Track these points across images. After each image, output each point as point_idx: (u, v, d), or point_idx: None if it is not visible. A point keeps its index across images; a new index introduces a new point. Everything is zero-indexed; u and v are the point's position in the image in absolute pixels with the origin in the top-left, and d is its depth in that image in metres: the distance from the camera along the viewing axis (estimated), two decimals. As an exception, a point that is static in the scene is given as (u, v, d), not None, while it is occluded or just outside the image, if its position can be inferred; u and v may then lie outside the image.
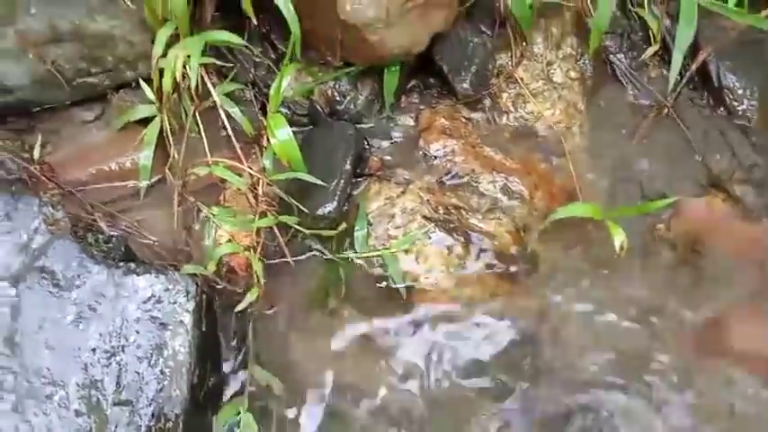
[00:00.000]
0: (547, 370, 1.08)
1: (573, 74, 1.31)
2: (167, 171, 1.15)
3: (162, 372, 0.89)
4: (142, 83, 1.11)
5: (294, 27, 1.00)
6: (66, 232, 0.96)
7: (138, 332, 0.91)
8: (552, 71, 1.30)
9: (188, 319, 0.92)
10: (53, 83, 1.17)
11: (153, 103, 1.18)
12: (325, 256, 1.11)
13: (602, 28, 1.14)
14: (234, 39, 1.04)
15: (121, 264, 0.94)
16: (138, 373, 0.89)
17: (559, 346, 1.09)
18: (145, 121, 1.22)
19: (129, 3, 1.10)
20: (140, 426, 0.87)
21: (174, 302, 0.93)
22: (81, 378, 0.88)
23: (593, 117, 1.29)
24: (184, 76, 1.04)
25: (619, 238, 1.07)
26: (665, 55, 1.39)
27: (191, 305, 0.93)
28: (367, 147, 1.21)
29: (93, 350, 0.89)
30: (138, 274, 0.93)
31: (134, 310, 0.91)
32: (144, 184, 1.18)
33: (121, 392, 0.88)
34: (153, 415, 0.88)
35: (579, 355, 1.09)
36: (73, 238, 0.95)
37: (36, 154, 1.15)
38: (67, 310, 0.90)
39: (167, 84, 1.03)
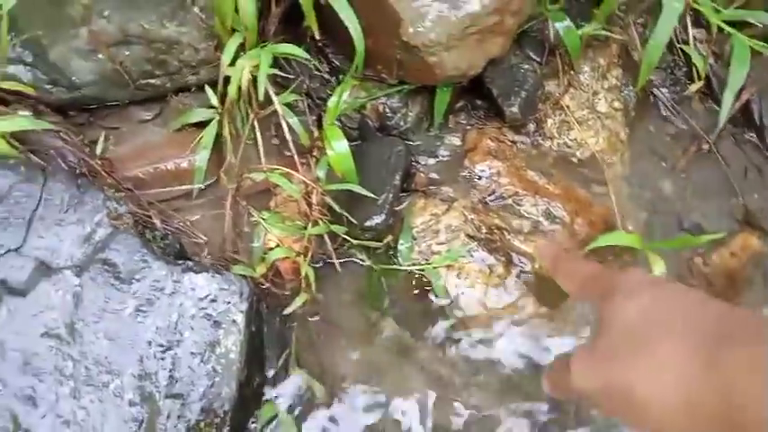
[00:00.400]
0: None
1: (617, 104, 1.35)
2: (222, 174, 1.19)
3: (214, 369, 0.92)
4: (207, 89, 1.15)
5: (360, 46, 1.04)
6: (129, 227, 1.00)
7: (192, 329, 0.94)
8: (597, 100, 1.33)
9: (240, 319, 0.95)
10: (118, 82, 1.22)
11: (211, 107, 1.23)
12: (369, 267, 1.14)
13: (652, 65, 1.17)
14: (298, 52, 1.09)
15: (180, 261, 0.98)
16: (191, 369, 0.92)
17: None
18: (199, 124, 1.27)
19: (198, 12, 1.14)
20: (190, 419, 0.90)
21: (229, 302, 0.96)
22: (136, 369, 0.91)
23: (635, 148, 1.32)
24: (248, 84, 1.09)
25: (658, 268, 1.10)
26: (707, 91, 1.42)
27: (244, 306, 0.96)
28: (414, 163, 1.25)
29: (149, 343, 0.93)
30: (195, 272, 0.96)
31: (190, 307, 0.95)
32: (198, 185, 1.22)
33: (174, 386, 0.91)
34: (202, 410, 0.91)
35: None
36: (135, 234, 0.99)
37: (99, 149, 1.20)
38: (127, 302, 0.94)
39: (233, 92, 1.07)
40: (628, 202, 1.28)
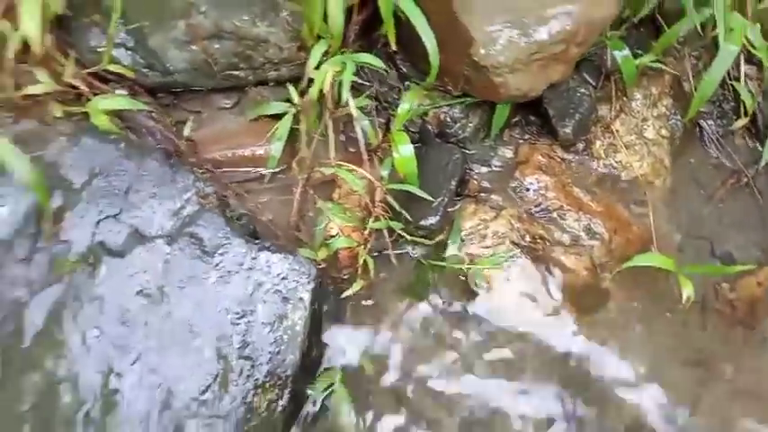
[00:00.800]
0: (599, 392, 1.20)
1: (664, 132, 1.42)
2: (294, 165, 1.31)
3: (281, 338, 1.04)
4: (289, 86, 1.27)
5: (435, 62, 1.14)
6: (214, 207, 1.12)
7: (264, 302, 1.06)
8: (645, 127, 1.41)
9: (307, 297, 1.07)
10: (206, 71, 1.34)
11: (286, 101, 1.34)
12: (419, 261, 1.25)
13: (704, 99, 1.24)
14: (376, 62, 1.19)
15: (257, 241, 1.10)
16: (261, 336, 1.05)
17: (615, 374, 1.21)
18: (273, 116, 1.39)
19: (287, 16, 1.25)
20: (258, 379, 1.03)
21: (297, 281, 1.08)
22: (215, 332, 1.04)
23: (677, 175, 1.40)
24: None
25: (687, 291, 1.18)
26: (752, 127, 1.49)
27: (310, 286, 1.08)
28: (468, 170, 1.35)
29: (227, 310, 1.06)
30: (271, 252, 1.08)
31: (264, 283, 1.07)
32: (270, 171, 1.34)
33: (246, 349, 1.04)
34: (269, 372, 1.03)
35: (630, 386, 1.21)
36: (219, 213, 1.11)
37: (186, 131, 1.32)
38: (210, 273, 1.07)
39: (314, 92, 1.18)
40: (665, 225, 1.36)
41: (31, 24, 1.06)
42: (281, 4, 1.26)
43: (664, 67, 1.38)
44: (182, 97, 1.43)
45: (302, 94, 1.26)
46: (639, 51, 1.40)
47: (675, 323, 1.24)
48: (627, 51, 1.35)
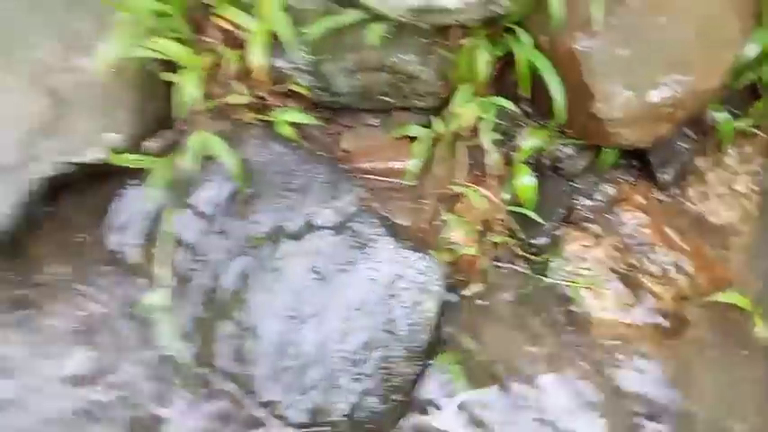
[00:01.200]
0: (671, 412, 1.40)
1: (754, 187, 1.60)
2: (427, 180, 1.57)
3: (417, 321, 1.31)
4: (434, 119, 1.53)
5: (560, 111, 1.37)
6: (369, 208, 1.40)
7: (405, 289, 1.33)
8: (737, 180, 1.59)
9: (438, 289, 1.34)
10: (364, 95, 1.63)
11: (425, 126, 1.61)
12: (527, 275, 1.49)
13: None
14: (511, 106, 1.44)
15: (404, 240, 1.37)
16: (401, 316, 1.32)
17: (686, 398, 1.41)
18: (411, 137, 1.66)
19: (438, 60, 1.52)
20: (397, 348, 1.30)
21: (431, 276, 1.35)
22: (366, 307, 1.32)
23: (762, 226, 1.58)
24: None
25: (762, 330, 1.37)
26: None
27: (441, 282, 1.35)
28: (575, 201, 1.57)
29: (375, 292, 1.33)
30: (413, 251, 1.36)
31: (406, 275, 1.34)
32: (406, 183, 1.61)
33: (389, 324, 1.31)
34: (405, 347, 1.31)
35: (701, 411, 1.41)
36: (373, 214, 1.39)
37: (343, 144, 1.61)
38: (364, 260, 1.35)
39: (455, 125, 1.45)
40: (746, 269, 1.54)
41: (259, 57, 1.37)
42: (435, 49, 1.53)
43: (759, 132, 1.56)
44: (338, 113, 1.73)
45: (440, 120, 1.52)
46: (738, 112, 1.58)
47: (748, 359, 1.42)
48: (726, 114, 1.54)
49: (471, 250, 1.44)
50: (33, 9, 1.50)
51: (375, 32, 1.43)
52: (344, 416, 1.26)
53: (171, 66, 1.50)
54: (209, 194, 1.42)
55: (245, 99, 1.52)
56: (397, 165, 1.67)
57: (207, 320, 1.34)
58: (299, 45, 1.49)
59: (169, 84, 1.50)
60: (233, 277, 1.36)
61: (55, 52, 1.47)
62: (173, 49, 1.42)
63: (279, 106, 1.56)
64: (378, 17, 1.41)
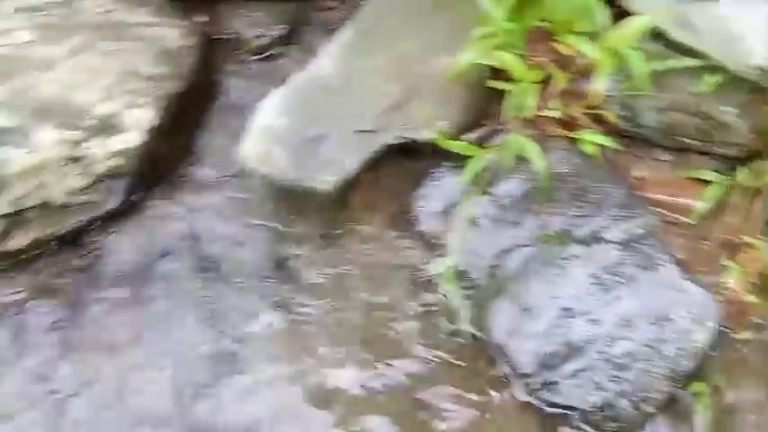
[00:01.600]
0: None
1: None
2: (710, 224, 1.63)
3: (685, 347, 1.40)
4: (740, 168, 1.60)
5: None
6: (657, 235, 1.52)
7: (680, 317, 1.42)
8: None
9: (713, 326, 1.43)
10: (666, 132, 1.72)
11: (717, 172, 1.67)
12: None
13: None
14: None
15: (679, 267, 1.49)
16: (671, 340, 1.41)
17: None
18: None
19: (755, 114, 1.57)
20: (660, 367, 1.39)
21: (708, 312, 1.43)
22: (636, 323, 1.44)
23: None
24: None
25: None
26: None
27: (715, 318, 1.43)
28: None
29: (649, 311, 1.44)
30: (694, 284, 1.46)
31: (683, 303, 1.44)
32: (688, 221, 1.68)
33: (658, 343, 1.40)
34: (669, 368, 1.39)
35: None
36: (660, 239, 1.51)
37: (637, 173, 1.73)
38: (645, 283, 1.47)
39: (763, 181, 1.49)
40: None
41: (602, 83, 1.58)
42: (755, 105, 1.58)
43: None
44: (633, 142, 1.83)
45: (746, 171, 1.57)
46: None
47: None
48: None
49: (752, 298, 1.47)
50: (407, 10, 1.88)
51: (709, 82, 1.53)
52: (596, 407, 1.40)
53: (497, 74, 1.77)
54: (509, 188, 1.65)
55: (557, 114, 1.73)
56: (681, 201, 1.75)
57: (485, 290, 1.57)
58: (620, 79, 1.65)
59: (490, 89, 1.77)
60: (516, 262, 1.57)
61: (416, 47, 1.83)
62: (512, 63, 1.67)
63: (586, 127, 1.74)
64: (715, 67, 1.52)
